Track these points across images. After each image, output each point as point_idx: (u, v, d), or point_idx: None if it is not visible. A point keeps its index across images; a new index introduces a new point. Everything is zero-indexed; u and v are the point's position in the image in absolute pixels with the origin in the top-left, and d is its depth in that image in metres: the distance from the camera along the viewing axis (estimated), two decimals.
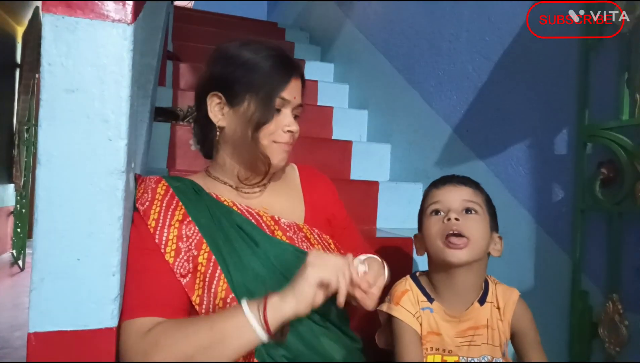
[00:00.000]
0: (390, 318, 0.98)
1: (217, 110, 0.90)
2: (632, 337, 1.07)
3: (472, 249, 0.93)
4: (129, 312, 0.76)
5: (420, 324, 0.96)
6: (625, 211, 1.10)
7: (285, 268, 0.84)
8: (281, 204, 0.96)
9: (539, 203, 1.37)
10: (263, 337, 0.71)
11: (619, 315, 1.08)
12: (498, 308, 0.99)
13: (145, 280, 0.79)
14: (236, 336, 0.72)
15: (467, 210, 0.95)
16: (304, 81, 0.97)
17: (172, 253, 0.81)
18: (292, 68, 0.92)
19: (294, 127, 0.92)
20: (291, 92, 0.91)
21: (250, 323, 0.71)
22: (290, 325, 0.82)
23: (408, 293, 0.99)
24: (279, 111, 0.90)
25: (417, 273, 1.04)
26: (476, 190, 0.99)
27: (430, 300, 0.98)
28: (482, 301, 0.98)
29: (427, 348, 0.96)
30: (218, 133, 0.91)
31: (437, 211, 0.97)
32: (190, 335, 0.73)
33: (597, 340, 1.14)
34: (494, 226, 1.00)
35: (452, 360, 0.95)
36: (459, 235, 0.92)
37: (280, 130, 0.90)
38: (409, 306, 0.97)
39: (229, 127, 0.90)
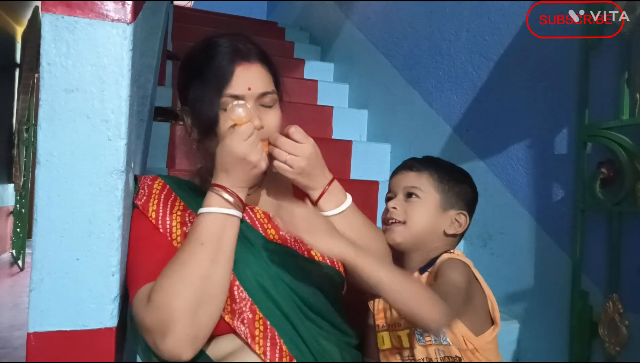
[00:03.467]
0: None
1: (189, 123, 0.86)
2: (632, 337, 1.07)
3: (408, 231, 0.95)
4: (136, 284, 0.74)
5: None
6: (625, 211, 1.10)
7: (279, 268, 0.82)
8: (271, 201, 0.93)
9: (539, 203, 1.37)
10: (239, 213, 0.78)
11: (619, 315, 1.08)
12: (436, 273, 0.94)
13: (153, 256, 0.77)
14: (226, 232, 0.76)
15: (408, 195, 0.97)
16: (268, 62, 0.85)
17: (179, 239, 0.80)
18: (234, 56, 0.80)
19: (256, 122, 0.78)
20: (242, 83, 0.79)
21: (229, 213, 0.76)
22: (287, 327, 0.81)
23: None
24: None
25: None
26: (421, 172, 0.98)
27: None
28: (422, 270, 0.95)
29: (378, 326, 0.96)
30: (195, 145, 0.87)
31: (389, 199, 1.00)
32: (187, 263, 0.72)
33: (597, 340, 1.14)
34: (453, 203, 0.97)
35: (405, 336, 0.92)
36: (394, 222, 0.96)
37: None
38: None
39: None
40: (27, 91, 4.22)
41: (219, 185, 0.77)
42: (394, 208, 0.97)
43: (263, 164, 0.77)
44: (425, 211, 0.96)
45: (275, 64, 0.88)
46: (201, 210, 0.77)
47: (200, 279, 0.72)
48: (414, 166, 0.99)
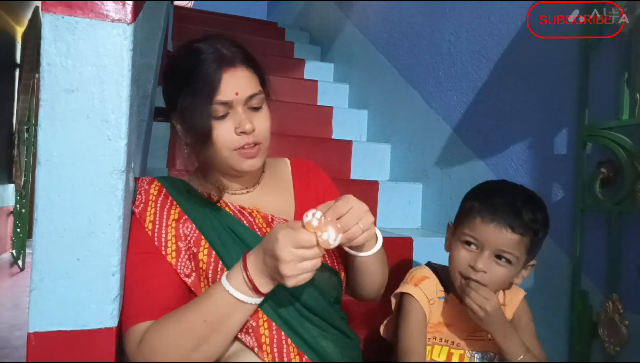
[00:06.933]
0: (401, 301, 0.99)
1: (180, 129, 0.86)
2: (632, 337, 1.07)
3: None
4: (133, 318, 0.76)
5: (429, 313, 0.98)
6: (625, 211, 1.10)
7: None
8: (272, 201, 0.94)
9: None
10: (258, 301, 0.74)
11: (619, 315, 1.08)
12: (503, 305, 1.01)
13: (148, 285, 0.78)
14: (234, 315, 0.73)
15: (499, 257, 0.91)
16: (253, 64, 0.85)
17: (173, 254, 0.81)
18: (220, 62, 0.80)
19: (247, 126, 0.80)
20: (230, 89, 0.80)
21: (242, 300, 0.72)
22: (290, 328, 0.81)
23: (428, 280, 1.00)
24: (225, 116, 0.81)
25: (433, 264, 1.06)
26: (523, 236, 0.90)
27: (447, 291, 1.00)
28: None
29: (433, 338, 0.97)
30: (186, 150, 0.88)
31: (469, 243, 0.94)
32: (185, 331, 0.72)
33: (597, 340, 1.14)
34: (532, 257, 0.96)
35: (457, 355, 0.97)
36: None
37: (234, 134, 0.81)
38: (427, 291, 0.98)
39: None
40: (28, 91, 4.22)
41: (246, 264, 0.73)
42: (484, 271, 0.90)
43: (290, 282, 0.70)
44: (508, 276, 0.92)
45: (259, 64, 0.88)
46: (223, 281, 0.73)
47: (190, 350, 0.73)
48: (518, 226, 0.88)
